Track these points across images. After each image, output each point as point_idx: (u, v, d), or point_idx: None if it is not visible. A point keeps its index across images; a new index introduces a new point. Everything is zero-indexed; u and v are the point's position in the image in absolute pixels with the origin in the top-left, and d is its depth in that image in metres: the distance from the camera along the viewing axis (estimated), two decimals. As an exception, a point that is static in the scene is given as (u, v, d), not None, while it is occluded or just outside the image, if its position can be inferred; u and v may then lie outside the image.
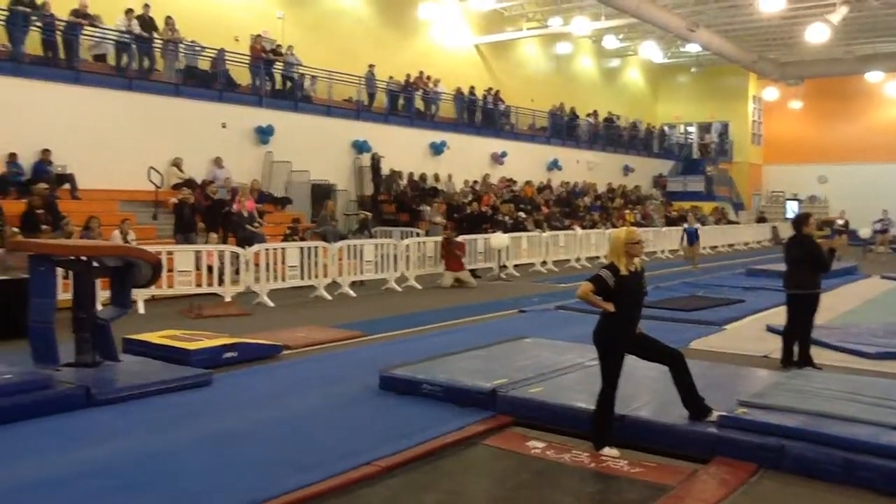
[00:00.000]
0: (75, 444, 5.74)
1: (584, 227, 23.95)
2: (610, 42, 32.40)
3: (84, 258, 7.92)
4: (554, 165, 29.97)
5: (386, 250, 15.82)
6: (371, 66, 23.54)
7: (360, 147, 22.06)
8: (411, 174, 23.11)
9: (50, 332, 7.33)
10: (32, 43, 16.35)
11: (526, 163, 28.10)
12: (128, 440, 5.83)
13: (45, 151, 15.46)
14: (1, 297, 9.73)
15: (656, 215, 30.28)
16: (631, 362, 5.77)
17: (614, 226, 24.76)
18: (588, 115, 33.17)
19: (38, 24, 16.36)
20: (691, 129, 40.68)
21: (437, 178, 24.10)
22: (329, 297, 14.11)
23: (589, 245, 22.32)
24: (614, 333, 5.65)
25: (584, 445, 5.78)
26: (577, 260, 21.65)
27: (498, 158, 27.17)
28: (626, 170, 34.32)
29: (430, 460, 5.61)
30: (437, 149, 24.56)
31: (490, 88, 28.55)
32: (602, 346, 5.70)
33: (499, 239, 18.17)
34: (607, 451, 5.65)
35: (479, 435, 6.13)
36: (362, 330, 10.57)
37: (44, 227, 13.13)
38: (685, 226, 22.86)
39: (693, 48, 33.36)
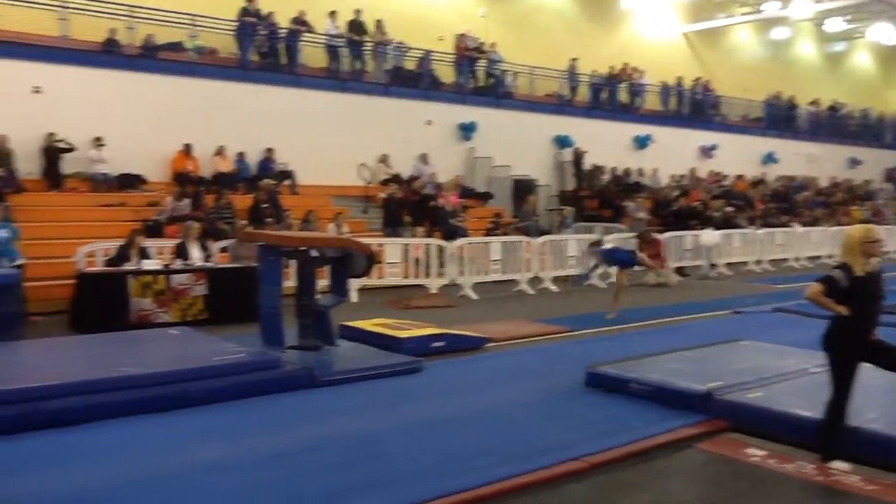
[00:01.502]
0: (299, 421, 6.12)
1: (803, 225, 22.26)
2: (834, 25, 29.90)
3: (307, 249, 8.43)
4: (769, 158, 28.11)
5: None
6: (573, 59, 23.28)
7: (561, 142, 21.90)
8: (614, 169, 22.61)
9: (277, 317, 7.89)
10: (258, 50, 17.71)
11: (738, 156, 26.55)
12: (345, 420, 6.14)
13: (269, 150, 16.72)
14: (234, 283, 10.64)
15: (889, 211, 27.53)
16: (862, 370, 5.26)
17: (839, 223, 22.81)
18: (809, 103, 30.80)
19: (263, 32, 17.69)
20: (929, 116, 36.64)
21: (641, 172, 23.40)
22: (531, 292, 14.12)
23: (809, 244, 20.73)
24: (848, 339, 5.17)
25: (811, 456, 5.34)
26: (797, 259, 20.18)
27: (707, 151, 25.92)
28: (852, 162, 31.45)
29: (641, 460, 5.44)
30: (641, 142, 23.87)
31: (699, 78, 27.31)
32: (833, 352, 5.23)
33: (708, 236, 17.36)
34: (837, 464, 5.19)
35: (692, 438, 5.85)
36: (566, 325, 10.47)
37: (268, 219, 14.14)
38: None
39: (932, 27, 30.06)
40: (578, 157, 21.72)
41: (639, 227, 16.88)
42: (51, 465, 5.08)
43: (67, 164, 14.35)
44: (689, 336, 9.45)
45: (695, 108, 26.52)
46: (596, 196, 21.57)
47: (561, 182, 22.00)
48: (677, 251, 16.99)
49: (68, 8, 15.15)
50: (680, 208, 19.98)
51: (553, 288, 14.48)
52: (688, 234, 17.56)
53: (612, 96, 24.06)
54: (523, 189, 19.74)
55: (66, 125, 14.16)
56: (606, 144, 22.54)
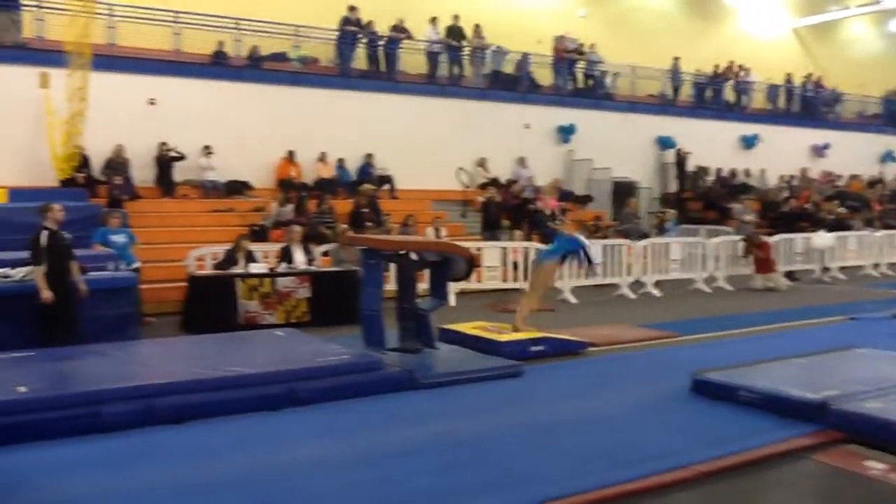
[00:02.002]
0: (401, 423, 6.16)
1: (927, 227, 20.95)
2: (958, 14, 28.13)
3: (407, 252, 8.51)
4: (888, 157, 26.66)
5: (693, 249, 15.17)
6: (675, 58, 22.72)
7: (663, 143, 21.42)
8: (719, 170, 21.94)
9: (379, 319, 7.99)
10: (358, 58, 18.05)
11: (853, 155, 25.27)
12: (447, 423, 6.13)
13: (369, 155, 17.02)
14: (335, 286, 10.86)
15: None
16: None
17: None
18: (935, 98, 29.03)
19: (364, 40, 18.01)
20: None
21: (747, 173, 22.62)
22: (632, 296, 13.84)
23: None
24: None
25: (941, 473, 5.01)
26: (920, 264, 19.02)
27: (818, 151, 24.82)
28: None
29: (753, 470, 5.22)
30: (748, 142, 23.07)
31: (809, 74, 26.20)
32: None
33: (821, 238, 16.60)
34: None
35: (806, 449, 5.58)
36: (670, 330, 10.19)
37: (368, 224, 14.38)
38: None
39: None
40: (682, 158, 21.19)
41: (746, 229, 16.32)
42: (164, 460, 5.28)
43: (179, 172, 15.01)
44: (800, 343, 9.01)
45: (805, 105, 25.44)
46: (700, 198, 21.00)
47: (663, 184, 21.50)
48: (787, 255, 16.31)
49: (180, 23, 15.84)
50: (790, 210, 19.19)
51: (656, 292, 14.13)
52: (798, 237, 16.82)
53: (716, 95, 23.37)
54: (624, 191, 19.40)
55: (178, 135, 14.81)
56: (711, 145, 21.90)
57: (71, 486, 4.79)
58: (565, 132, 19.78)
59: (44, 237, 8.09)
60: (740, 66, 24.35)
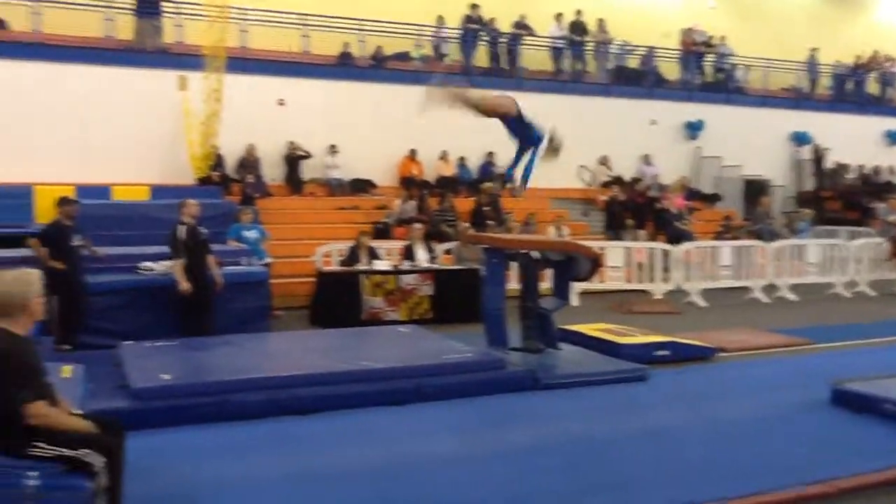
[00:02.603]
0: (524, 422, 6.14)
1: None
2: None
3: (530, 252, 8.42)
4: None
5: (832, 251, 14.36)
6: (813, 49, 21.55)
7: (799, 139, 20.39)
8: (861, 167, 20.67)
9: (501, 318, 7.95)
10: (479, 55, 18.07)
11: None
12: (570, 424, 6.05)
13: (490, 154, 16.99)
14: (457, 284, 10.93)
15: None
16: None
17: None
18: None
19: (486, 38, 18.01)
20: None
21: (892, 170, 21.17)
22: (765, 300, 13.21)
23: None
24: None
25: None
26: None
27: (974, 146, 22.95)
28: None
29: (899, 490, 4.87)
30: (893, 137, 21.62)
31: (964, 64, 24.25)
32: None
33: (976, 241, 15.30)
34: None
35: (963, 470, 5.14)
36: (807, 337, 9.66)
37: (489, 222, 14.37)
38: None
39: None
40: (819, 154, 20.12)
41: (891, 230, 15.28)
42: (289, 450, 5.43)
43: (306, 170, 15.46)
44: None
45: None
46: (840, 197, 19.85)
47: (799, 182, 20.46)
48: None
49: (308, 25, 16.33)
50: (941, 210, 17.80)
51: (791, 297, 13.43)
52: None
53: (858, 88, 22.00)
54: (755, 190, 18.62)
55: (305, 134, 15.26)
56: (852, 140, 20.62)
57: (200, 470, 5.00)
58: (693, 128, 19.15)
59: (181, 231, 8.55)
60: (886, 56, 22.81)
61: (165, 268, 8.88)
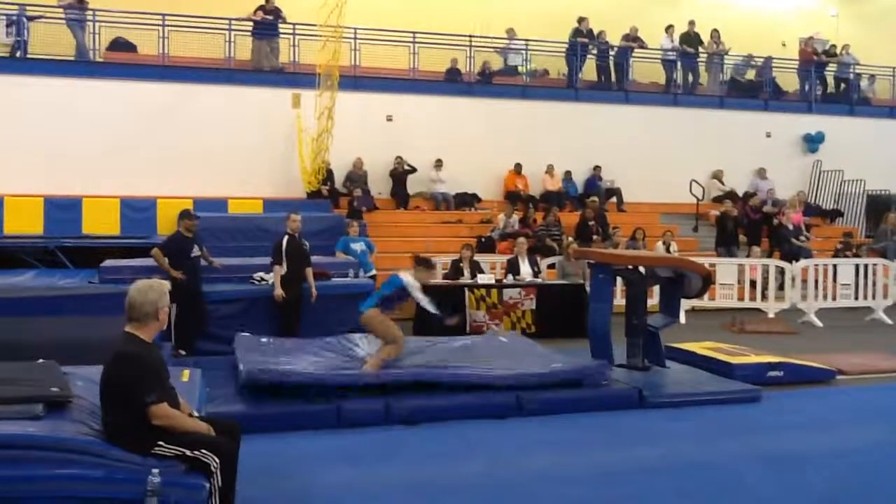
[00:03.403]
0: (631, 441, 6.01)
1: None
2: None
3: (638, 268, 8.26)
4: None
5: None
6: (945, 57, 20.31)
7: (929, 151, 19.18)
8: None
9: (606, 335, 7.81)
10: (588, 69, 17.92)
11: None
12: (679, 445, 5.90)
13: (596, 168, 16.81)
14: (561, 299, 10.83)
15: None
16: None
17: None
18: None
19: (594, 51, 17.84)
20: None
21: None
22: (889, 322, 12.47)
23: None
24: None
25: None
26: None
27: None
28: None
29: None
30: None
31: None
32: None
33: None
34: None
35: None
36: (935, 361, 9.08)
37: (595, 237, 14.18)
38: None
39: None
40: (950, 168, 18.82)
41: None
42: (401, 458, 5.52)
43: (411, 185, 15.69)
44: None
45: None
46: (973, 213, 18.51)
47: (930, 198, 19.24)
48: None
49: (418, 42, 16.62)
50: None
51: (917, 318, 12.66)
52: None
53: None
54: (880, 205, 17.63)
55: (411, 149, 15.49)
56: None
57: (313, 474, 5.12)
58: (812, 141, 18.35)
59: (284, 242, 8.88)
60: None
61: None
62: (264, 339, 7.84)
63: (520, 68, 17.56)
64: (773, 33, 19.64)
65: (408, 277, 7.05)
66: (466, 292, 10.67)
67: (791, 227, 15.30)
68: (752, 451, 5.76)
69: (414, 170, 15.54)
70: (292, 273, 9.00)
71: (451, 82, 16.82)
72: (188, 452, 3.75)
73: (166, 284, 4.05)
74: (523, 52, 17.31)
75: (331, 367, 6.92)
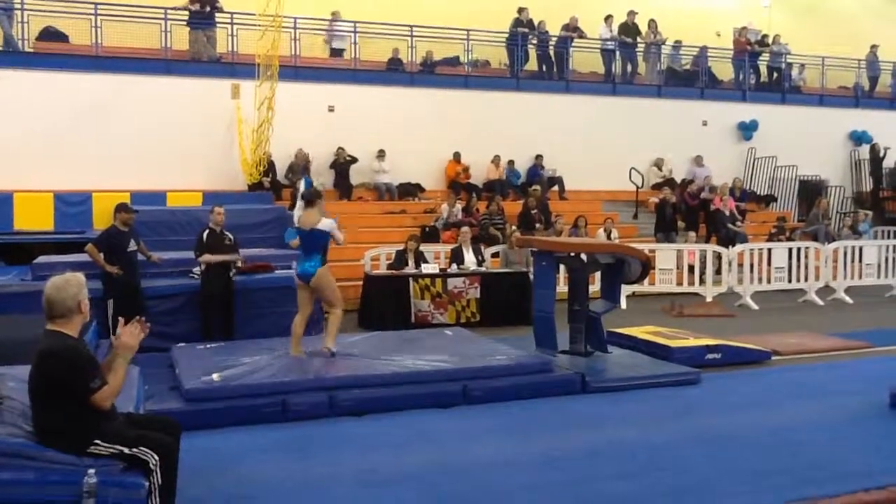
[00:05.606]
0: (574, 426, 6.10)
1: None
2: None
3: (579, 254, 8.37)
4: None
5: (891, 253, 13.96)
6: (874, 46, 20.96)
7: (857, 138, 19.91)
8: (923, 166, 20.01)
9: (550, 322, 7.91)
10: (529, 59, 18.03)
11: None
12: (621, 428, 5.99)
13: (538, 156, 16.94)
14: (505, 287, 10.91)
15: None
16: None
17: None
18: None
19: (534, 42, 17.95)
20: None
21: (955, 169, 20.49)
22: (820, 303, 12.90)
23: None
24: None
25: None
26: None
27: None
28: None
29: (967, 499, 4.70)
30: (957, 136, 20.91)
31: None
32: None
33: None
34: None
35: None
36: (864, 340, 9.42)
37: (537, 225, 14.32)
38: None
39: None
40: (877, 154, 19.53)
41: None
42: (348, 449, 5.50)
43: (354, 176, 15.59)
44: None
45: None
46: (899, 197, 19.26)
47: (857, 183, 19.93)
48: None
49: (359, 32, 16.49)
50: None
51: (847, 299, 13.09)
52: None
53: (920, 85, 21.34)
54: (811, 190, 18.22)
55: (354, 139, 15.38)
56: (913, 139, 20.03)
57: (258, 470, 5.08)
58: (747, 129, 18.82)
59: (205, 235, 8.89)
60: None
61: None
62: (200, 347, 7.66)
63: (461, 58, 17.56)
64: (709, 24, 20.03)
65: (326, 221, 7.36)
66: (411, 282, 10.67)
67: (727, 212, 15.67)
68: (691, 431, 5.90)
69: (355, 160, 15.44)
70: (214, 267, 8.86)
71: (393, 72, 16.76)
72: (126, 450, 3.67)
73: (80, 276, 3.94)
74: (351, 34, 16.85)
75: (276, 369, 6.81)
